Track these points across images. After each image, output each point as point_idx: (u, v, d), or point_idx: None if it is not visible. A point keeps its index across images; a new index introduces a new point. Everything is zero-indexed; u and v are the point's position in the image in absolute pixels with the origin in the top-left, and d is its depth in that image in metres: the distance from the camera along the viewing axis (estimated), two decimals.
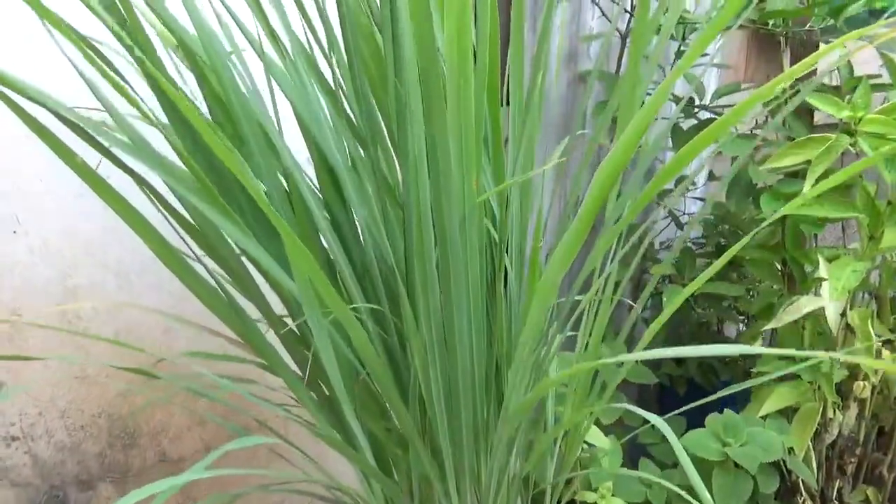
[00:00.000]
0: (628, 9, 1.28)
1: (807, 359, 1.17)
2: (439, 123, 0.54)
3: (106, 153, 0.67)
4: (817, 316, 1.13)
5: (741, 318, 1.57)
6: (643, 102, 0.87)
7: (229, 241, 0.68)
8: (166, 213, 0.66)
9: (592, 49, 1.45)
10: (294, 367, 0.80)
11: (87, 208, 1.06)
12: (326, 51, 0.71)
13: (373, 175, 0.67)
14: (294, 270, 0.57)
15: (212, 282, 0.69)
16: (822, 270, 1.06)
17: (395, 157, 0.67)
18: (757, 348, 0.50)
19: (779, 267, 1.27)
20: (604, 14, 1.34)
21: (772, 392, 1.13)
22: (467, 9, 0.51)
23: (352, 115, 0.71)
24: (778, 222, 1.25)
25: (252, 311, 0.78)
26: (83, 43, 0.62)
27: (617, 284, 0.81)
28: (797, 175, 1.17)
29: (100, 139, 0.63)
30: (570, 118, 1.47)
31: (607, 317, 0.77)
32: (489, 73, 0.64)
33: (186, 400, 1.22)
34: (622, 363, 1.34)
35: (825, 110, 1.00)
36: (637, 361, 1.32)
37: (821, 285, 1.06)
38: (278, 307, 0.80)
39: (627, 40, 1.35)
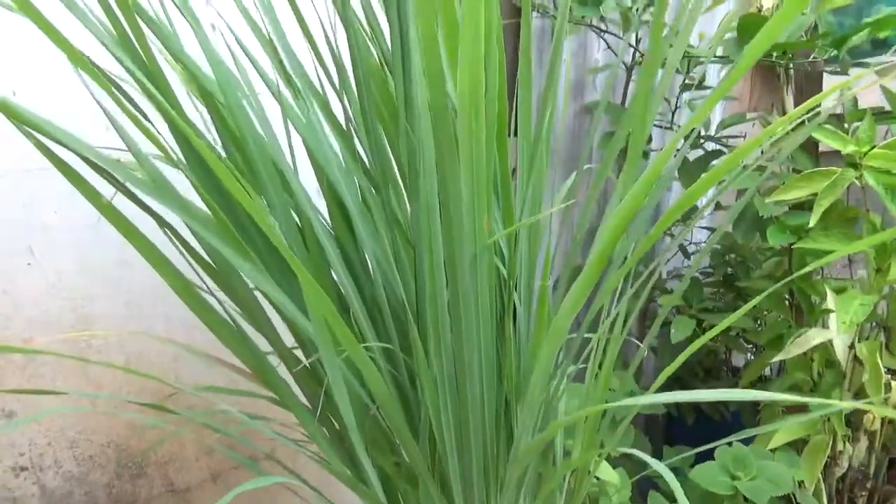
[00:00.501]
0: (633, 43, 1.30)
1: (817, 390, 1.17)
2: (451, 165, 0.55)
3: (124, 191, 0.69)
4: (826, 346, 1.13)
5: (749, 346, 1.57)
6: (650, 135, 0.88)
7: (244, 278, 0.69)
8: (184, 251, 0.67)
9: (598, 80, 1.47)
10: (303, 399, 0.81)
11: (101, 240, 1.08)
12: (338, 90, 0.73)
13: (383, 213, 0.68)
14: (310, 310, 0.58)
15: (225, 315, 0.70)
16: (830, 302, 1.06)
17: (405, 196, 0.68)
18: (770, 394, 0.50)
19: (786, 297, 1.27)
20: (609, 47, 1.36)
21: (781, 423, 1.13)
22: (479, 54, 0.52)
23: (363, 154, 0.73)
24: (785, 252, 1.26)
25: (260, 340, 0.79)
26: (110, 83, 0.64)
27: (626, 318, 0.81)
28: (803, 206, 1.17)
29: (119, 177, 0.65)
30: (576, 148, 1.49)
31: (616, 352, 0.78)
32: (498, 110, 0.65)
33: (194, 430, 1.22)
34: (630, 393, 1.34)
35: (830, 145, 1.01)
36: (642, 391, 1.32)
37: (829, 317, 1.06)
38: (287, 337, 0.80)
39: (633, 72, 1.37)
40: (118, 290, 1.12)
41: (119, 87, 0.69)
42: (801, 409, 1.20)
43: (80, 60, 0.59)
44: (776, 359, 1.12)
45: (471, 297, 0.61)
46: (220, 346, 0.82)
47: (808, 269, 0.65)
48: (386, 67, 0.69)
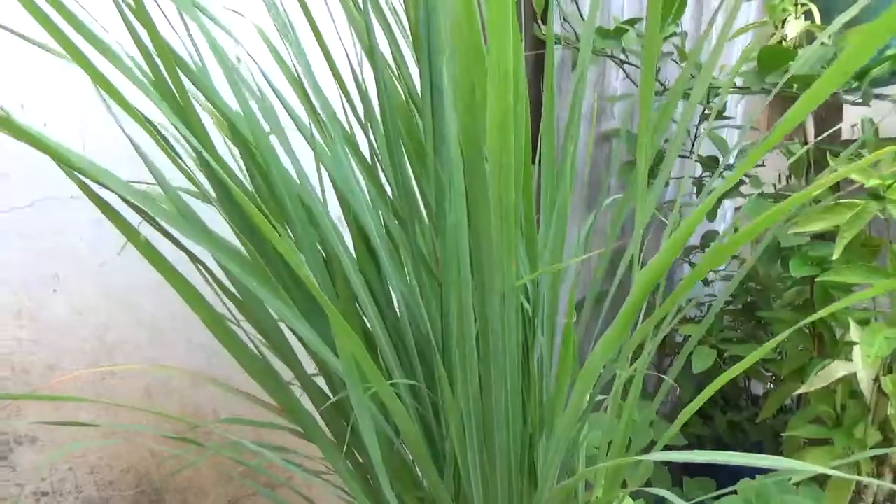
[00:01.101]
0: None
1: (840, 423, 1.15)
2: (482, 204, 0.55)
3: (155, 224, 0.70)
4: (849, 378, 1.12)
5: (769, 374, 1.55)
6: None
7: (271, 311, 0.69)
8: (213, 284, 0.68)
9: (616, 108, 1.47)
10: (326, 430, 0.81)
11: (125, 266, 1.09)
12: (364, 125, 0.74)
13: (409, 248, 0.69)
14: (339, 348, 0.58)
15: (252, 347, 0.70)
16: (854, 335, 1.05)
17: (430, 232, 0.69)
18: (799, 464, 0.49)
19: (807, 328, 1.26)
20: (628, 76, 1.37)
21: (804, 456, 1.11)
22: (508, 105, 0.53)
23: (388, 188, 0.73)
24: (806, 281, 1.25)
25: (281, 367, 0.79)
26: (146, 122, 0.65)
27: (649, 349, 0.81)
28: (824, 235, 1.17)
29: (150, 212, 0.65)
30: (593, 174, 1.49)
31: (639, 389, 0.77)
32: (524, 148, 0.66)
33: (213, 456, 1.22)
34: (651, 423, 1.33)
35: (853, 177, 1.01)
36: (662, 420, 1.31)
37: (852, 349, 1.05)
38: (308, 364, 0.80)
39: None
40: (140, 315, 1.13)
41: (151, 123, 0.71)
42: (825, 440, 1.18)
43: (122, 101, 0.60)
44: (799, 391, 1.11)
45: (499, 336, 0.61)
46: (239, 372, 0.82)
47: (837, 306, 0.64)
48: (412, 104, 0.70)
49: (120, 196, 0.64)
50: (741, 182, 1.30)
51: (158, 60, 0.65)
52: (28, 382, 1.06)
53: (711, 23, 0.81)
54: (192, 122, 0.66)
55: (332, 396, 0.78)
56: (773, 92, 0.96)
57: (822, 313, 0.62)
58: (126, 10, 0.69)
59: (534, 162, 0.79)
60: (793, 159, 1.01)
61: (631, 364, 0.80)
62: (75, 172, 0.57)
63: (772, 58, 1.07)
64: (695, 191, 1.48)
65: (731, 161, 1.38)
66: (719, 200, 0.97)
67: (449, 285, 0.63)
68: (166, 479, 1.20)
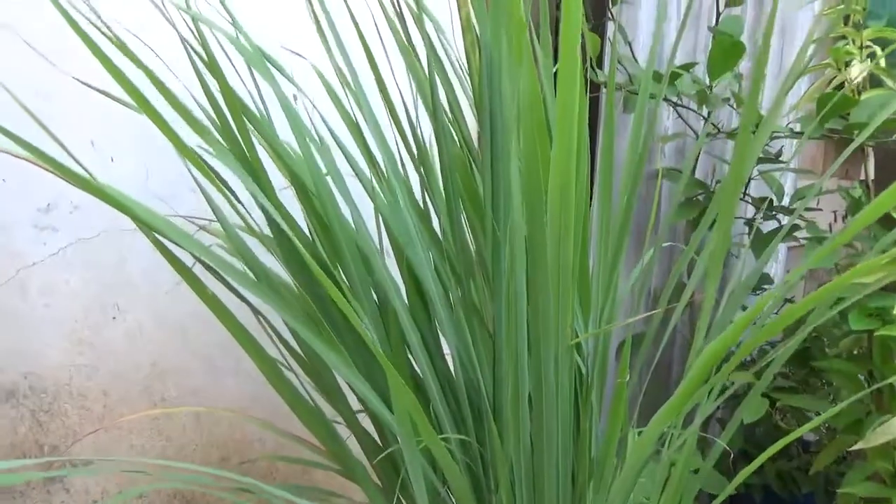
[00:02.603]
0: (705, 115, 1.29)
1: None
2: (541, 266, 0.56)
3: (220, 279, 0.72)
4: None
5: (822, 424, 1.50)
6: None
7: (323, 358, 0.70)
8: (272, 334, 0.70)
9: (667, 147, 1.46)
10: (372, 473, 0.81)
11: (180, 297, 1.12)
12: (423, 177, 0.75)
13: (464, 302, 0.69)
14: (394, 404, 0.59)
15: (306, 395, 0.71)
16: None
17: (483, 287, 0.69)
18: None
19: (864, 379, 1.22)
20: (680, 116, 1.35)
21: None
22: (571, 162, 0.53)
23: (444, 243, 0.74)
24: (864, 330, 1.21)
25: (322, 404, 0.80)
26: (209, 170, 0.67)
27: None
28: (886, 286, 1.13)
29: (220, 270, 0.67)
30: (642, 214, 1.47)
31: (692, 449, 0.76)
32: (584, 211, 0.66)
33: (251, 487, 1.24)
34: (697, 471, 1.30)
35: None
36: (711, 472, 1.28)
37: None
38: (352, 398, 0.81)
39: (701, 140, 1.36)
40: (193, 344, 1.16)
41: (214, 171, 0.73)
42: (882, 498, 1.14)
43: (187, 152, 0.62)
44: (856, 447, 1.07)
45: (553, 394, 0.61)
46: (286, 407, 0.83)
47: None
48: (469, 158, 0.71)
49: (182, 247, 0.66)
50: (796, 226, 1.27)
51: (225, 108, 0.67)
52: (84, 406, 1.09)
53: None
54: (257, 170, 0.68)
55: (378, 439, 0.78)
56: (836, 137, 0.94)
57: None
58: (198, 61, 0.71)
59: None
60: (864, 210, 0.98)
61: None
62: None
63: (832, 104, 1.05)
64: (747, 231, 1.45)
65: (786, 203, 1.35)
66: (774, 242, 0.95)
67: (502, 341, 0.63)
68: None
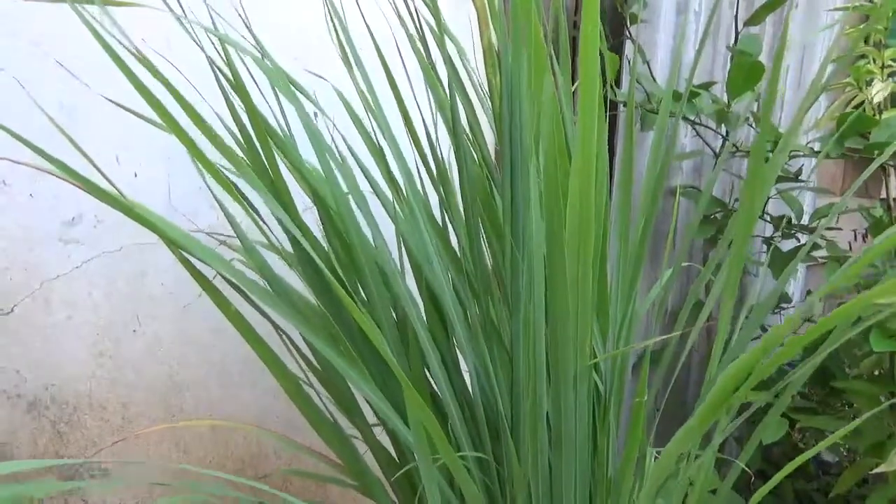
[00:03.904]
0: (723, 133, 1.29)
1: None
2: (560, 284, 0.56)
3: (241, 292, 0.73)
4: None
5: (842, 444, 1.48)
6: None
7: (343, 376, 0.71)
8: (291, 348, 0.70)
9: (685, 164, 1.46)
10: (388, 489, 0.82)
11: (200, 311, 1.14)
12: (442, 198, 0.75)
13: (482, 319, 0.69)
14: (411, 420, 0.59)
15: (325, 412, 0.72)
16: None
17: (501, 306, 0.70)
18: None
19: (885, 401, 1.20)
20: (698, 134, 1.35)
21: None
22: (590, 181, 0.53)
23: (462, 261, 0.75)
24: (885, 351, 1.19)
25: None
26: (233, 188, 0.68)
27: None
28: None
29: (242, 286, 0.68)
30: (659, 232, 1.47)
31: (710, 470, 0.75)
32: (603, 232, 0.66)
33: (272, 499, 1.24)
34: (715, 491, 1.29)
35: None
36: (730, 493, 1.26)
37: None
38: (369, 413, 0.81)
39: (720, 159, 1.36)
40: (211, 357, 1.17)
41: (236, 187, 0.74)
42: None
43: (211, 169, 0.63)
44: (878, 470, 1.06)
45: (571, 413, 0.61)
46: (303, 420, 0.84)
47: None
48: (488, 178, 0.72)
49: (205, 262, 0.67)
50: (815, 245, 1.26)
51: (250, 128, 0.69)
52: (104, 418, 1.11)
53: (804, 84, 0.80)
54: (280, 189, 0.69)
55: (396, 455, 0.78)
56: (857, 157, 0.94)
57: None
58: (224, 82, 0.73)
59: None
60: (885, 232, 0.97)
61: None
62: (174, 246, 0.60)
63: (854, 123, 1.04)
64: (765, 249, 1.44)
65: (805, 222, 1.34)
66: (794, 262, 0.94)
67: (520, 360, 0.63)
68: None
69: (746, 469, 0.73)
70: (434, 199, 0.78)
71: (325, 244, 0.81)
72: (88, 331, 1.07)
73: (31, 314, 1.02)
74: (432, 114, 0.74)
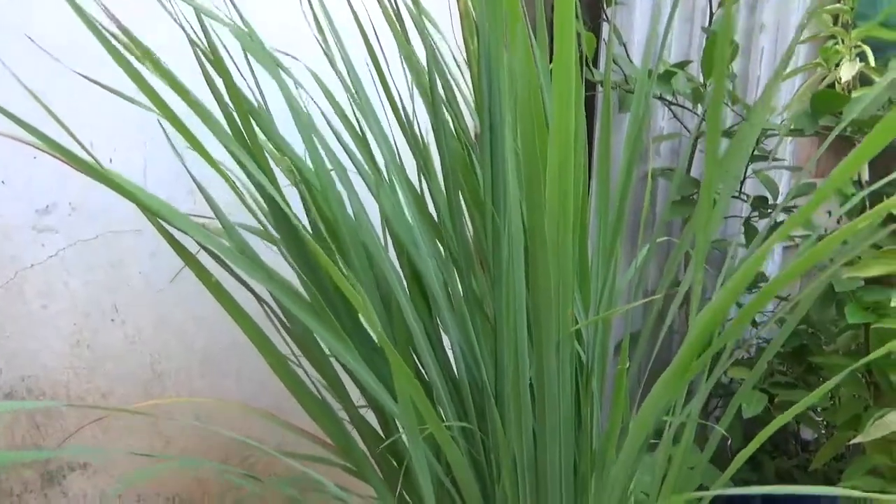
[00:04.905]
0: (700, 113, 1.30)
1: None
2: (541, 250, 0.56)
3: (222, 263, 0.72)
4: None
5: (820, 420, 1.50)
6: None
7: (326, 350, 0.70)
8: (275, 321, 0.70)
9: (662, 146, 1.47)
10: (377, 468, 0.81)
11: (180, 298, 1.12)
12: (422, 168, 0.75)
13: (464, 292, 0.69)
14: (398, 391, 0.59)
15: (312, 387, 0.71)
16: None
17: (483, 278, 0.70)
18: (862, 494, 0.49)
19: (863, 375, 1.22)
20: (675, 116, 1.37)
21: None
22: (569, 160, 0.53)
23: (443, 232, 0.75)
24: (860, 326, 1.21)
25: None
26: (216, 163, 0.68)
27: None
28: (881, 281, 1.14)
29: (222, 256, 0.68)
30: (637, 212, 1.49)
31: (693, 434, 0.76)
32: (582, 198, 0.66)
33: (255, 485, 1.23)
34: (694, 467, 1.30)
35: None
36: (709, 465, 1.28)
37: None
38: (356, 398, 0.81)
39: (698, 140, 1.38)
40: (192, 346, 1.16)
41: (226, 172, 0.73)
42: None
43: (197, 144, 0.63)
44: (854, 441, 1.08)
45: (554, 382, 0.61)
46: (286, 406, 0.83)
47: (889, 347, 0.63)
48: (467, 146, 0.72)
49: (188, 234, 0.66)
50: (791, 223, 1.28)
51: (232, 106, 0.68)
52: (83, 410, 1.09)
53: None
54: (262, 163, 0.68)
55: (382, 434, 0.78)
56: (831, 136, 0.95)
57: (874, 355, 0.61)
58: (205, 61, 0.72)
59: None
60: (851, 203, 0.99)
61: (683, 407, 0.79)
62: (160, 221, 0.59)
63: (826, 101, 1.06)
64: (742, 231, 1.46)
65: (780, 202, 1.36)
66: (771, 240, 0.95)
67: (503, 331, 0.63)
68: None
69: (726, 434, 0.74)
70: (413, 171, 0.78)
71: (307, 225, 0.80)
72: (65, 320, 1.05)
73: (5, 304, 1.00)
74: (408, 86, 0.74)
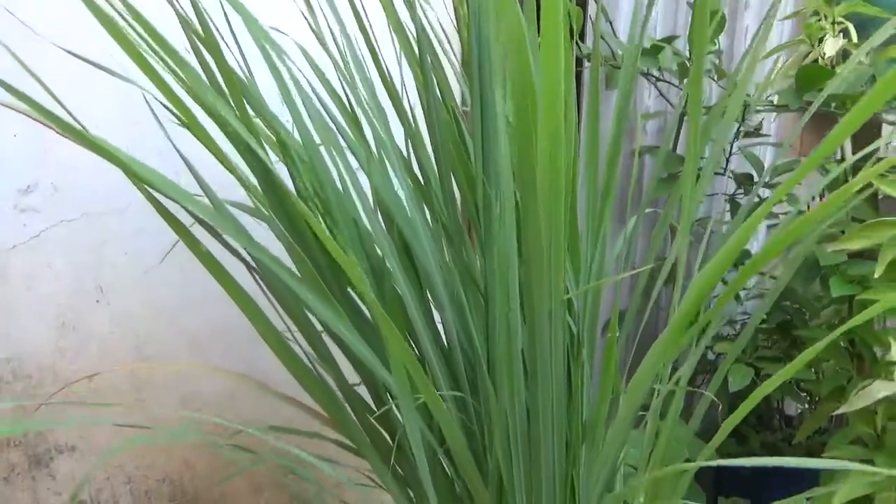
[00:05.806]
0: (685, 87, 1.31)
1: (881, 445, 1.13)
2: (532, 223, 0.56)
3: (213, 233, 0.71)
4: (891, 398, 1.10)
5: (804, 394, 1.53)
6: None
7: (317, 324, 0.70)
8: (267, 292, 0.69)
9: (649, 125, 1.48)
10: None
11: (167, 279, 1.11)
12: (411, 134, 0.75)
13: (456, 263, 0.69)
14: (391, 359, 0.59)
15: (306, 360, 0.71)
16: (895, 354, 1.03)
17: (477, 247, 0.70)
18: (847, 464, 0.50)
19: (845, 347, 1.24)
20: (661, 94, 1.37)
21: (843, 478, 1.09)
22: (559, 125, 0.53)
23: (434, 201, 0.74)
24: (844, 300, 1.23)
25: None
26: (207, 136, 0.67)
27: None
28: (862, 253, 1.16)
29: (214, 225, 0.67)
30: (625, 189, 1.49)
31: (681, 406, 0.77)
32: (572, 168, 0.66)
33: (244, 459, 1.23)
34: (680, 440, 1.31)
35: (886, 191, 1.00)
36: (696, 439, 1.29)
37: (894, 369, 1.04)
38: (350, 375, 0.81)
39: (684, 119, 1.38)
40: (180, 327, 1.15)
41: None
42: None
43: (189, 116, 0.62)
44: (838, 411, 1.10)
45: (547, 350, 0.61)
46: (275, 386, 0.82)
47: (869, 314, 0.64)
48: (456, 121, 0.71)
49: (181, 205, 0.65)
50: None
51: (222, 81, 0.67)
52: (68, 391, 1.08)
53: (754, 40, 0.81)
54: (253, 132, 0.67)
55: (375, 409, 0.78)
56: (811, 111, 0.96)
57: (854, 322, 0.62)
58: (194, 38, 0.71)
59: None
60: (830, 177, 1.00)
61: (669, 380, 0.80)
62: (150, 189, 0.58)
63: (810, 77, 1.07)
64: (728, 208, 1.47)
65: (767, 179, 1.37)
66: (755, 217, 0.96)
67: (495, 300, 0.63)
68: (200, 489, 1.21)
69: (716, 400, 0.75)
70: (402, 142, 0.77)
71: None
72: (50, 302, 1.04)
73: None
74: (397, 54, 0.73)
